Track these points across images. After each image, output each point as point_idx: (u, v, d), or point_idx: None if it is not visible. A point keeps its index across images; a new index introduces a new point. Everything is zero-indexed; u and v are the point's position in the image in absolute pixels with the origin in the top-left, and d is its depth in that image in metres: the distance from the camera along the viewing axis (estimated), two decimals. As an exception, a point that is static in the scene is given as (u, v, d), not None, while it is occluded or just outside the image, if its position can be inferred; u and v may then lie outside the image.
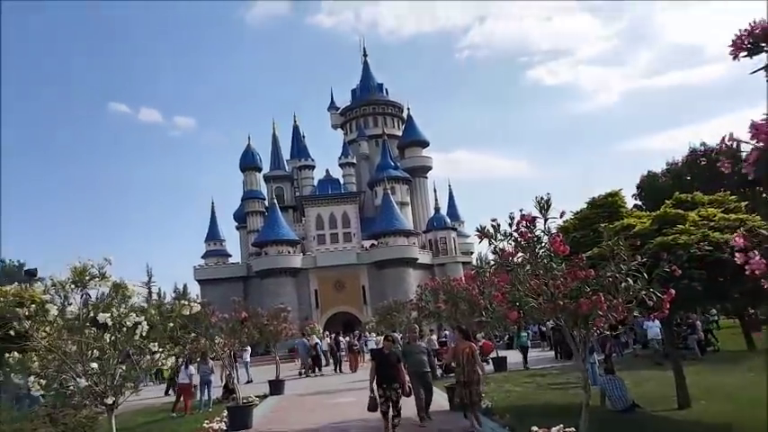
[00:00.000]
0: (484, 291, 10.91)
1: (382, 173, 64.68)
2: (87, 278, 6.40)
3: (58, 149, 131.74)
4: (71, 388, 6.73)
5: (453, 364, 8.95)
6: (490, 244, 6.43)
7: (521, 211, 6.31)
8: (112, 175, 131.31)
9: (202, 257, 65.58)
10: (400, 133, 71.97)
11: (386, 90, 75.36)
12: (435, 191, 68.41)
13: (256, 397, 17.35)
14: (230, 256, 67.18)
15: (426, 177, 71.06)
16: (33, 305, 6.37)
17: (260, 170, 66.94)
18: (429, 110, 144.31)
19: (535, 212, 6.14)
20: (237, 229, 70.46)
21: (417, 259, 59.74)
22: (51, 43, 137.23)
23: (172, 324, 6.90)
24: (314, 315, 54.35)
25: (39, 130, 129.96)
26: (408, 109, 72.95)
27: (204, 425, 13.09)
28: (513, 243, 6.26)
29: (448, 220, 65.77)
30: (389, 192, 61.69)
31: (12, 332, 6.09)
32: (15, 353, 6.22)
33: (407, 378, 9.57)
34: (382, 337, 11.30)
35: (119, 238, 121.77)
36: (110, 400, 6.32)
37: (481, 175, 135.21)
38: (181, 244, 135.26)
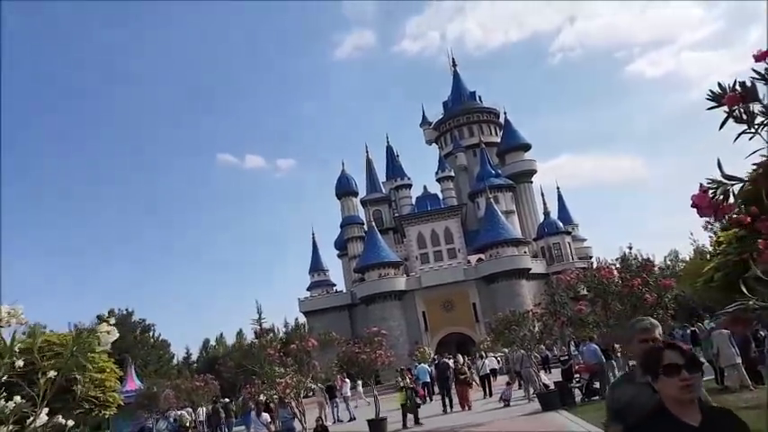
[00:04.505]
0: (649, 281, 7.12)
1: (483, 182, 60.69)
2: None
3: (177, 203, 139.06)
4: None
5: None
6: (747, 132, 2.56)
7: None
8: (228, 221, 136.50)
9: (307, 289, 64.66)
10: (498, 140, 67.80)
11: (479, 97, 71.59)
12: (543, 194, 63.36)
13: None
14: (335, 285, 65.76)
15: (531, 182, 66.07)
16: None
17: (356, 195, 65.27)
18: (524, 118, 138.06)
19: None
20: (339, 257, 69.10)
21: (530, 269, 54.93)
22: (156, 104, 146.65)
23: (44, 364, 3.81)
24: (424, 338, 50.96)
25: (160, 190, 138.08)
26: (505, 113, 68.72)
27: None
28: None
29: (560, 225, 60.46)
30: (492, 201, 57.75)
31: None
32: None
33: None
34: (491, 357, 7.30)
35: (236, 280, 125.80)
36: None
37: (589, 179, 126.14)
38: (292, 279, 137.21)
